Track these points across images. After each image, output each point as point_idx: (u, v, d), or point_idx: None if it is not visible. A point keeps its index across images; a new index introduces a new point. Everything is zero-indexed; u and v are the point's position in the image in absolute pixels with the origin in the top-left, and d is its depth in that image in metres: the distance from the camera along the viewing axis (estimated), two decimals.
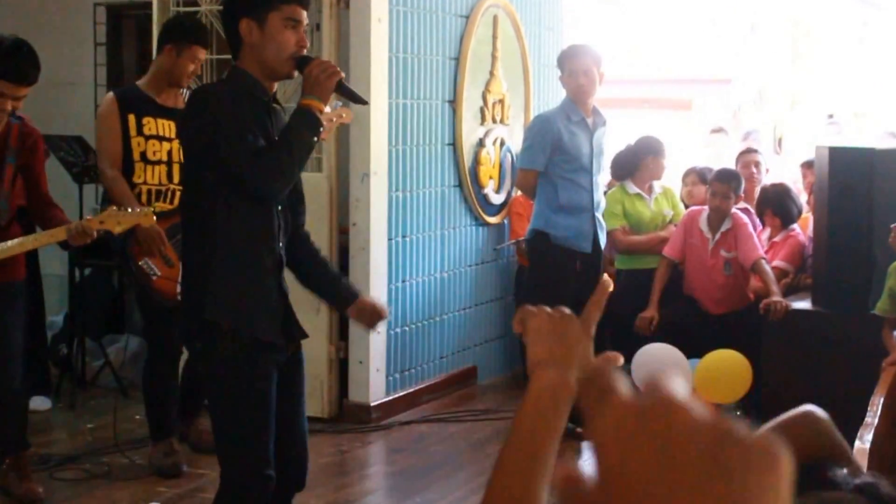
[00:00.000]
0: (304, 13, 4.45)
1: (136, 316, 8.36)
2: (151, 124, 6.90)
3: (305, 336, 4.62)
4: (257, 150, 4.25)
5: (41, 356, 7.89)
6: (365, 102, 4.87)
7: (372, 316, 4.70)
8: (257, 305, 4.38)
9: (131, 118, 6.85)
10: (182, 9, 7.90)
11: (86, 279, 8.60)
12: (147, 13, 8.26)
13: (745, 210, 8.15)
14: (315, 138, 4.36)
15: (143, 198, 6.76)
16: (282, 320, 4.44)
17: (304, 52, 4.41)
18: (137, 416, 7.63)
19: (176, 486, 6.55)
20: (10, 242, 6.13)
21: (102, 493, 6.51)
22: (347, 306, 4.69)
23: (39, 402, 7.54)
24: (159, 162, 6.87)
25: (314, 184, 7.35)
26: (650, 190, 8.69)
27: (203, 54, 6.51)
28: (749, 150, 9.09)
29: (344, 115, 6.62)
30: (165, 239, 6.68)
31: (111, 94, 7.12)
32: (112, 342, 8.80)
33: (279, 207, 4.42)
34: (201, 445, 6.97)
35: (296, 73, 4.36)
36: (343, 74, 4.35)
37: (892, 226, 6.36)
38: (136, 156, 6.81)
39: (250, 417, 4.40)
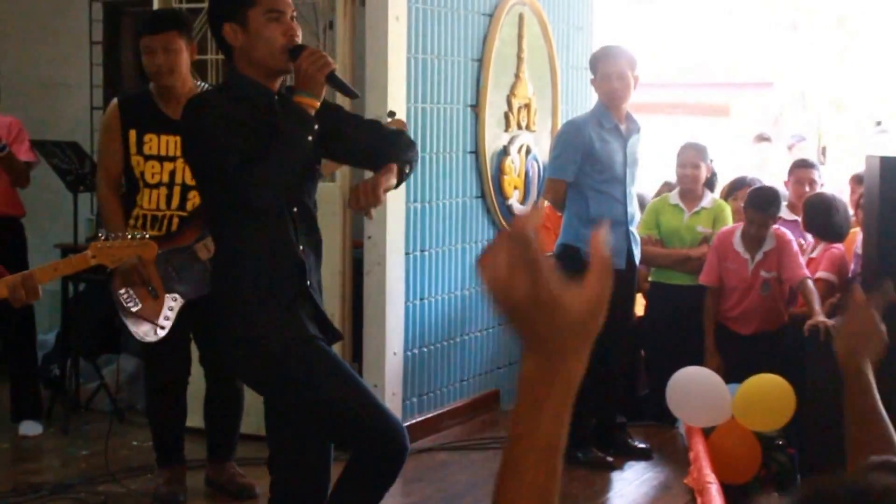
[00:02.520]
0: (286, 1, 4.48)
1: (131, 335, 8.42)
2: (153, 142, 6.83)
3: (341, 337, 4.84)
4: (248, 158, 4.29)
5: (31, 378, 7.94)
6: (356, 96, 4.90)
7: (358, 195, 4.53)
8: (283, 318, 4.44)
9: (132, 134, 6.81)
10: (185, 6, 7.94)
11: (79, 295, 8.58)
12: (148, 10, 8.14)
13: (793, 224, 8.21)
14: (309, 137, 4.36)
15: (139, 222, 6.75)
16: (314, 321, 4.52)
17: (297, 40, 4.44)
18: (135, 443, 7.73)
19: None
20: None
21: None
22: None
23: (30, 428, 7.62)
24: (158, 185, 6.81)
25: (327, 194, 7.34)
26: (695, 202, 8.64)
27: (166, 42, 6.13)
28: (804, 165, 9.02)
29: (398, 126, 6.60)
30: (153, 268, 6.57)
31: (115, 101, 7.05)
32: (108, 362, 8.80)
33: (294, 210, 4.46)
34: (233, 489, 6.98)
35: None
36: (335, 65, 4.39)
37: None
38: (137, 175, 6.80)
39: (339, 385, 4.48)
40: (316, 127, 4.39)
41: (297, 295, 4.55)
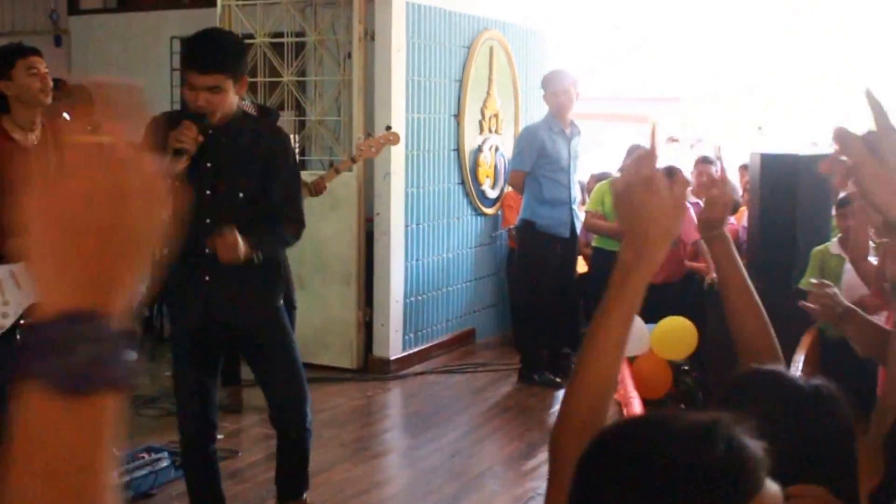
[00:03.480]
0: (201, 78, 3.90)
1: None
2: None
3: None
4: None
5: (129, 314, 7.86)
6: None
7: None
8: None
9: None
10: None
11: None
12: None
13: (695, 205, 7.97)
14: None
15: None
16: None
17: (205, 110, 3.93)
18: None
19: (236, 422, 6.56)
20: None
21: (177, 427, 6.44)
22: None
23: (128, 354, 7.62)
24: None
25: (346, 181, 7.44)
26: None
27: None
28: (704, 161, 8.73)
29: (392, 139, 6.59)
30: None
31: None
32: None
33: (206, 221, 3.99)
34: (232, 407, 6.89)
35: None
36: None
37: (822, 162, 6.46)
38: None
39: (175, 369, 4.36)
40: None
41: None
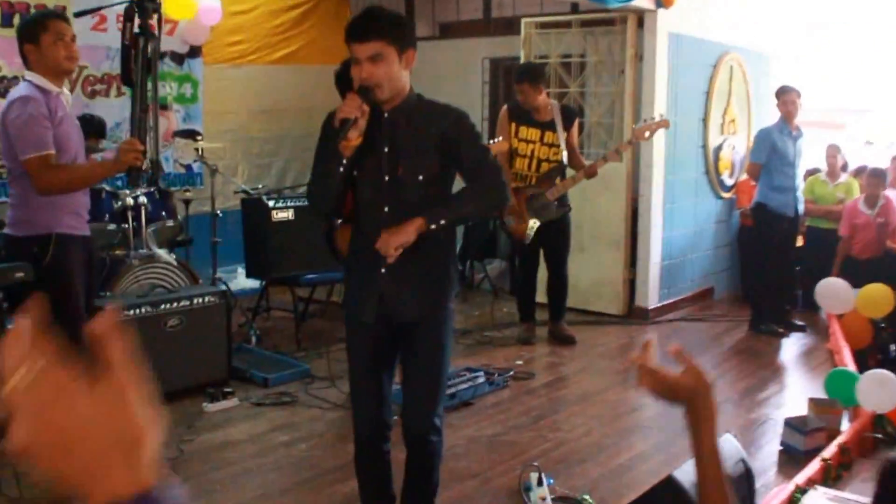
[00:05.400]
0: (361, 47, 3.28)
1: (503, 245, 8.92)
2: (524, 131, 6.98)
3: (409, 320, 3.62)
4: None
5: None
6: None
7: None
8: (353, 294, 3.72)
9: (512, 126, 7.03)
10: (538, 61, 8.20)
11: (496, 224, 8.60)
12: (515, 63, 8.52)
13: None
14: (340, 168, 3.38)
15: (517, 178, 6.86)
16: (374, 304, 3.66)
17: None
18: (504, 309, 8.21)
19: (531, 352, 6.95)
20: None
21: (487, 353, 6.95)
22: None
23: None
24: (524, 156, 6.94)
25: (617, 170, 7.84)
26: (835, 178, 8.84)
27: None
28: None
29: (664, 124, 6.81)
30: (522, 203, 6.79)
31: (505, 106, 7.19)
32: (489, 263, 9.29)
33: (385, 210, 3.56)
34: (564, 339, 7.23)
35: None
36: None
37: None
38: (512, 150, 6.85)
39: (350, 370, 3.78)
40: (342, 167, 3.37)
41: (367, 280, 3.54)
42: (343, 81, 4.53)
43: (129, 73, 4.88)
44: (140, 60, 4.79)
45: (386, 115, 3.38)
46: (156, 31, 4.81)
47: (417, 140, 3.44)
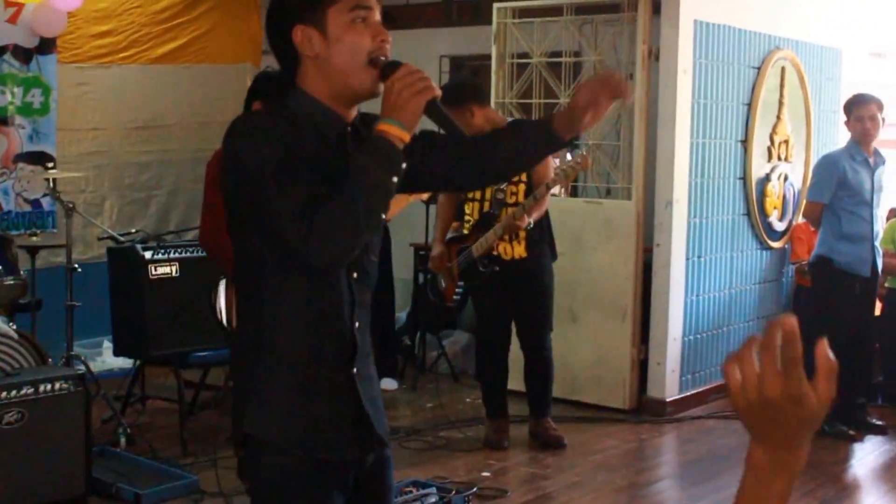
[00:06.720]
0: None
1: (468, 315, 8.67)
2: None
3: (385, 444, 2.77)
4: (309, 203, 2.43)
5: (392, 346, 8.12)
6: (461, 132, 2.67)
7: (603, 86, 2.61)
8: (312, 416, 2.63)
9: None
10: (515, 61, 8.08)
11: (427, 282, 8.55)
12: (485, 63, 8.38)
13: None
14: (395, 178, 2.50)
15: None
16: (353, 427, 2.66)
17: (388, 54, 2.59)
18: (468, 399, 7.86)
19: (503, 460, 6.61)
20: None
21: (441, 462, 6.64)
22: (562, 120, 2.63)
23: (388, 383, 7.83)
24: (473, 199, 6.82)
25: (624, 209, 7.56)
26: None
27: (459, 115, 5.16)
28: None
29: (581, 162, 6.34)
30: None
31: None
32: (447, 336, 9.02)
33: (354, 275, 2.65)
34: (549, 441, 6.91)
35: (381, 87, 2.58)
36: (438, 92, 2.50)
37: None
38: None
39: None
40: (404, 165, 2.51)
41: (336, 390, 2.67)
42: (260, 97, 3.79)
43: None
44: None
45: (349, 128, 2.74)
46: None
47: None
